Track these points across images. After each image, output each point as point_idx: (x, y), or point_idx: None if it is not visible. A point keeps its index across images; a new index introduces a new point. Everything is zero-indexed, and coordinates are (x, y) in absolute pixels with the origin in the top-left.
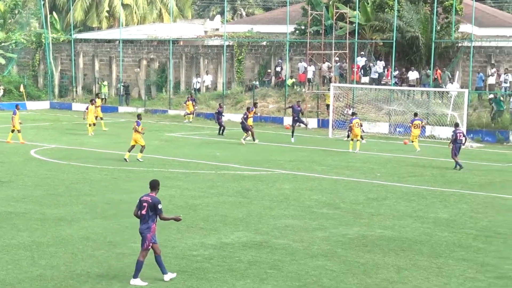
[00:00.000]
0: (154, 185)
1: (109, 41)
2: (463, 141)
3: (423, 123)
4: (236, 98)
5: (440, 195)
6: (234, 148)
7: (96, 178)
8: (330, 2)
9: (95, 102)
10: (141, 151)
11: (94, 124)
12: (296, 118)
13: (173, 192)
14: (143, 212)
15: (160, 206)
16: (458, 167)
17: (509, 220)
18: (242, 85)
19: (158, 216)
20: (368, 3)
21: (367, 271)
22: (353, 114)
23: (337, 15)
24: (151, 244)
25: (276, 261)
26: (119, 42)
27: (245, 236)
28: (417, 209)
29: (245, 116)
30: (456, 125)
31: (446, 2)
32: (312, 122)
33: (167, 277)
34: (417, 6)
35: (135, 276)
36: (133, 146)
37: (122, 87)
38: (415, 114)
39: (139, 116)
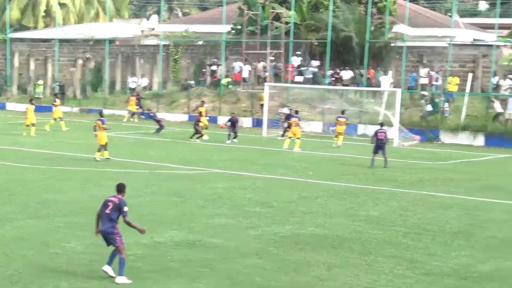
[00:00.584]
0: (121, 188)
1: (45, 40)
2: (384, 141)
3: (347, 121)
4: (172, 97)
5: (371, 193)
6: (169, 147)
7: (29, 178)
8: (266, 2)
9: (57, 101)
10: (99, 150)
11: (33, 125)
12: (234, 128)
13: (107, 191)
14: (107, 211)
15: (126, 209)
16: (373, 164)
17: (438, 217)
18: (178, 85)
19: (123, 218)
20: (303, 3)
21: (299, 269)
22: (296, 112)
23: (273, 15)
24: (123, 239)
25: (209, 260)
26: (55, 42)
27: (178, 235)
28: (349, 207)
29: (196, 121)
30: (381, 124)
31: (380, 4)
32: (247, 122)
33: (107, 268)
34: (352, 6)
35: (120, 274)
36: (106, 144)
37: (57, 87)
38: (342, 112)
39: (101, 113)
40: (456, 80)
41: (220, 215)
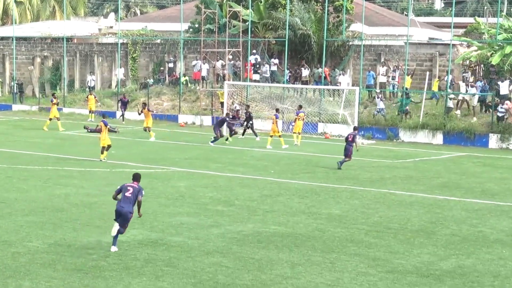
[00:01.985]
0: (137, 177)
1: (1, 38)
2: (351, 144)
3: (305, 116)
4: (130, 96)
5: (332, 192)
6: (130, 146)
7: None
8: (224, 1)
9: (54, 100)
10: (106, 150)
11: None
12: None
13: (68, 190)
14: (127, 194)
15: (143, 192)
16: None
17: (399, 215)
18: (137, 83)
19: (138, 198)
20: (261, 2)
21: (262, 267)
22: (277, 110)
23: (230, 13)
24: None
25: (171, 259)
26: (12, 40)
27: (141, 234)
28: (310, 206)
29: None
30: (354, 128)
31: (337, 2)
32: (207, 120)
33: (114, 248)
34: (309, 5)
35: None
36: (109, 146)
37: (15, 85)
38: (300, 107)
39: (104, 115)
40: (437, 82)
41: (182, 213)
